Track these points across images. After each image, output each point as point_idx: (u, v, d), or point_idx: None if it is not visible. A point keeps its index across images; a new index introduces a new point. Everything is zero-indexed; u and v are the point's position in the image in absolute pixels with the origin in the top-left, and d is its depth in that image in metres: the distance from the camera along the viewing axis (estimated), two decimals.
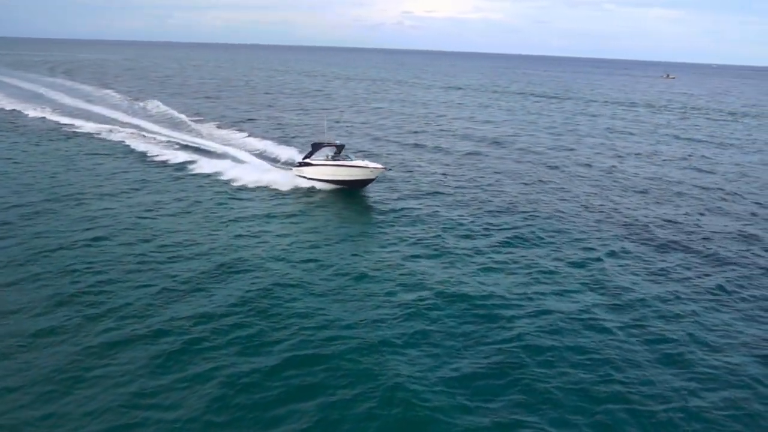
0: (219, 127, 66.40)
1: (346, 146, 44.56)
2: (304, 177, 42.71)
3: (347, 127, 71.65)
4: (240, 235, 31.92)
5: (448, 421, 17.19)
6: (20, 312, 22.85)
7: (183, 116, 72.93)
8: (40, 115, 72.41)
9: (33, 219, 33.47)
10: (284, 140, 58.70)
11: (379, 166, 40.53)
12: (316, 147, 43.04)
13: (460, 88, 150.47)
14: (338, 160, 41.51)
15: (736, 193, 45.47)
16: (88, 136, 59.75)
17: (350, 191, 41.55)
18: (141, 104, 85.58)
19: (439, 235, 33.07)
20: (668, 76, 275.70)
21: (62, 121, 67.30)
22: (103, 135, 59.78)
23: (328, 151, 42.60)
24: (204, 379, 18.83)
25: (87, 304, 23.50)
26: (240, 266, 27.50)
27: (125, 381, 18.71)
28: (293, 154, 50.02)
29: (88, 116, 71.45)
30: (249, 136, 60.63)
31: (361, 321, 22.66)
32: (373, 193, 41.67)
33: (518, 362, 20.29)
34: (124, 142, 56.29)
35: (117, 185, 41.38)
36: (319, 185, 42.10)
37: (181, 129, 63.87)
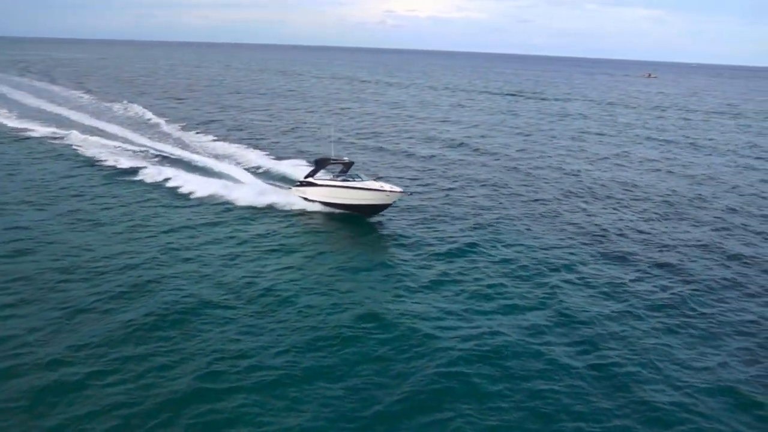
0: (183, 128, 63.94)
1: (354, 163, 39.73)
2: (306, 198, 37.34)
3: (309, 127, 69.77)
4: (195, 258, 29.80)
5: None
6: None
7: (151, 118, 70.15)
8: None
9: None
10: (252, 143, 56.62)
11: (398, 189, 34.25)
12: (320, 164, 37.61)
13: (436, 88, 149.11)
14: (347, 179, 36.02)
15: (702, 198, 44.21)
16: (40, 139, 57.04)
17: (358, 217, 35.68)
18: (107, 105, 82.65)
19: (386, 244, 31.35)
20: (650, 75, 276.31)
21: (16, 125, 64.34)
22: (58, 138, 57.07)
23: (335, 170, 38.15)
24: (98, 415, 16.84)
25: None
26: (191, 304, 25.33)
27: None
28: (274, 164, 47.33)
29: (48, 118, 68.57)
30: (216, 139, 58.29)
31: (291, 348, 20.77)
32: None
33: (451, 390, 18.54)
34: (76, 147, 53.38)
35: (54, 193, 38.95)
36: (323, 208, 36.63)
37: (148, 132, 60.65)
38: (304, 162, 47.93)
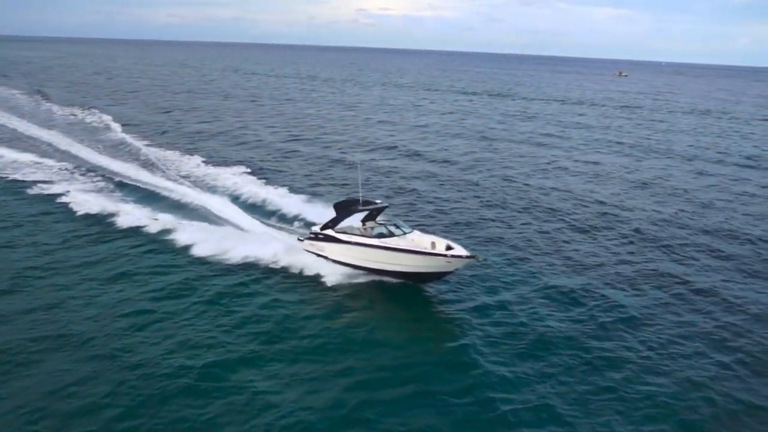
0: (127, 132, 58.35)
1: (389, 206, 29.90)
2: (324, 256, 27.03)
3: (238, 128, 65.24)
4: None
5: None
6: None
7: (106, 124, 64.17)
8: None
9: None
10: (191, 150, 51.70)
11: (465, 253, 23.48)
12: (344, 210, 27.01)
13: (401, 86, 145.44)
14: (383, 233, 25.52)
15: (634, 207, 40.79)
16: None
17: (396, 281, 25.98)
18: (46, 107, 77.11)
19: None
20: (620, 73, 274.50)
21: None
22: None
23: (361, 216, 27.46)
24: None
25: None
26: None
27: None
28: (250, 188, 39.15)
29: None
30: (151, 145, 53.13)
31: None
32: None
33: None
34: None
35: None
36: (347, 270, 26.28)
37: (90, 142, 53.74)
38: (285, 190, 38.86)
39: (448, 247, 23.82)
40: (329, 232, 26.61)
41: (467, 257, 23.15)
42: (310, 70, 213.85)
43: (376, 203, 27.49)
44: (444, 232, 31.09)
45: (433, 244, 24.28)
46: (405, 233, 25.42)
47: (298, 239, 28.43)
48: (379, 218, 27.63)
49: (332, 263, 26.41)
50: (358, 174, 33.48)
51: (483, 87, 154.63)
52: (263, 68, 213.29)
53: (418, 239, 25.00)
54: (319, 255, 26.95)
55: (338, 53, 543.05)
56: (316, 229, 27.70)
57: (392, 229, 25.71)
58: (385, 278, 25.49)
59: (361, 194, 27.80)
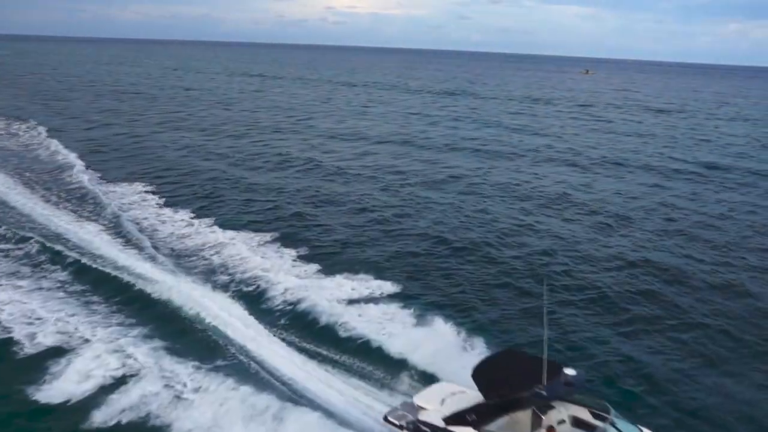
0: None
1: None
2: None
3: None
4: None
5: None
6: None
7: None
8: None
9: None
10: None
11: None
12: (508, 392, 14.06)
13: (355, 85, 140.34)
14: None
15: (572, 202, 36.21)
16: None
17: None
18: None
19: None
20: (587, 71, 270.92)
21: None
22: None
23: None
24: None
25: None
26: None
27: None
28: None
29: None
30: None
31: None
32: None
33: None
34: None
35: None
36: None
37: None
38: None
39: None
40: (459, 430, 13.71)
41: None
42: (273, 70, 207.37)
43: (569, 376, 14.00)
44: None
45: None
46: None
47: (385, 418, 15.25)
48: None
49: None
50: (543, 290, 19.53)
51: (442, 86, 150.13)
52: (224, 67, 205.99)
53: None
54: None
55: (305, 51, 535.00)
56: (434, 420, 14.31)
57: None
58: None
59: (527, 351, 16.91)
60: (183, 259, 27.21)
